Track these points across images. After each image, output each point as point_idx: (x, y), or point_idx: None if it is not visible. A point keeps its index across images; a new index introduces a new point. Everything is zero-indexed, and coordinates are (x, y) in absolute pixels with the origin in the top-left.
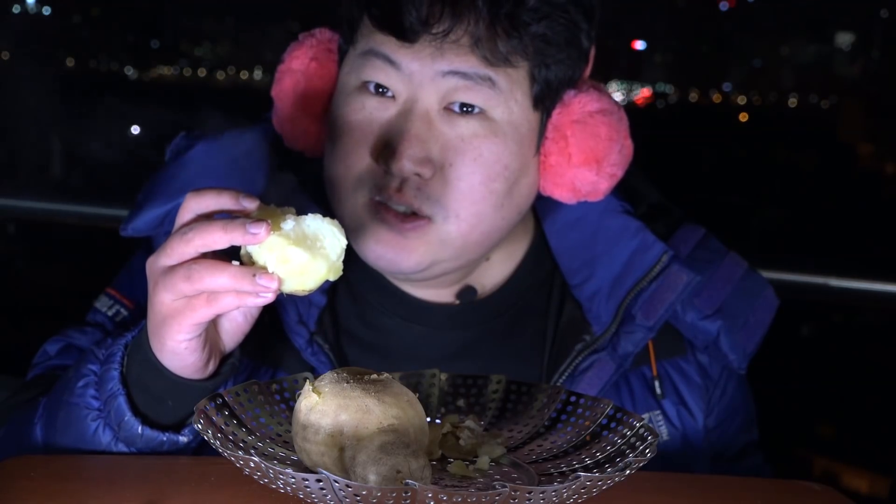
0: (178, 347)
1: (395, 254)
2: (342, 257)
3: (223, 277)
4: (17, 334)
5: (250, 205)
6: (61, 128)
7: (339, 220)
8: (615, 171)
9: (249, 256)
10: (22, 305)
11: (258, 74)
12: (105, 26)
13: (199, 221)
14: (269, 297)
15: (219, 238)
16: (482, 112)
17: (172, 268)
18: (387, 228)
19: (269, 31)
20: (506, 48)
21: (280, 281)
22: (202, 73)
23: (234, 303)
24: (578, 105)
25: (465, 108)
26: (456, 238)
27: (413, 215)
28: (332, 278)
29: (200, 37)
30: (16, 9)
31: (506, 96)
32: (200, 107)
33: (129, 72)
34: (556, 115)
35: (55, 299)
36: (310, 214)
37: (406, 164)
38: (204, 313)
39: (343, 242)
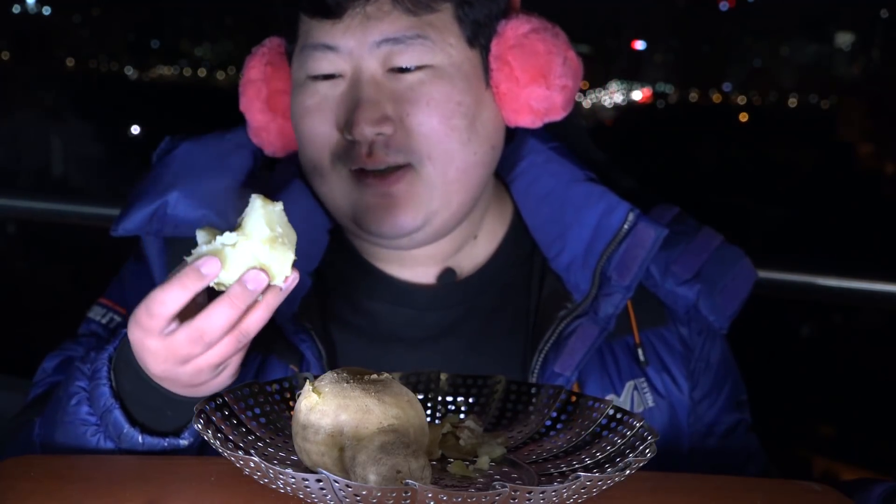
0: (208, 391)
1: (391, 214)
2: (285, 218)
3: (227, 325)
4: (17, 334)
5: (214, 268)
6: (61, 127)
7: (328, 199)
8: (565, 82)
9: (221, 285)
10: (22, 305)
11: None
12: (105, 26)
13: (153, 291)
14: (281, 285)
15: (182, 297)
16: (423, 64)
17: (195, 357)
18: (372, 192)
19: (269, 31)
20: None
21: (268, 278)
22: (202, 73)
23: (259, 321)
24: (511, 31)
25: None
26: (435, 178)
27: (393, 170)
28: (294, 240)
29: (200, 37)
30: (16, 9)
31: (440, 45)
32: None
33: (129, 72)
34: (494, 46)
35: (55, 299)
36: (246, 211)
37: (365, 128)
38: (240, 352)
39: (278, 206)
